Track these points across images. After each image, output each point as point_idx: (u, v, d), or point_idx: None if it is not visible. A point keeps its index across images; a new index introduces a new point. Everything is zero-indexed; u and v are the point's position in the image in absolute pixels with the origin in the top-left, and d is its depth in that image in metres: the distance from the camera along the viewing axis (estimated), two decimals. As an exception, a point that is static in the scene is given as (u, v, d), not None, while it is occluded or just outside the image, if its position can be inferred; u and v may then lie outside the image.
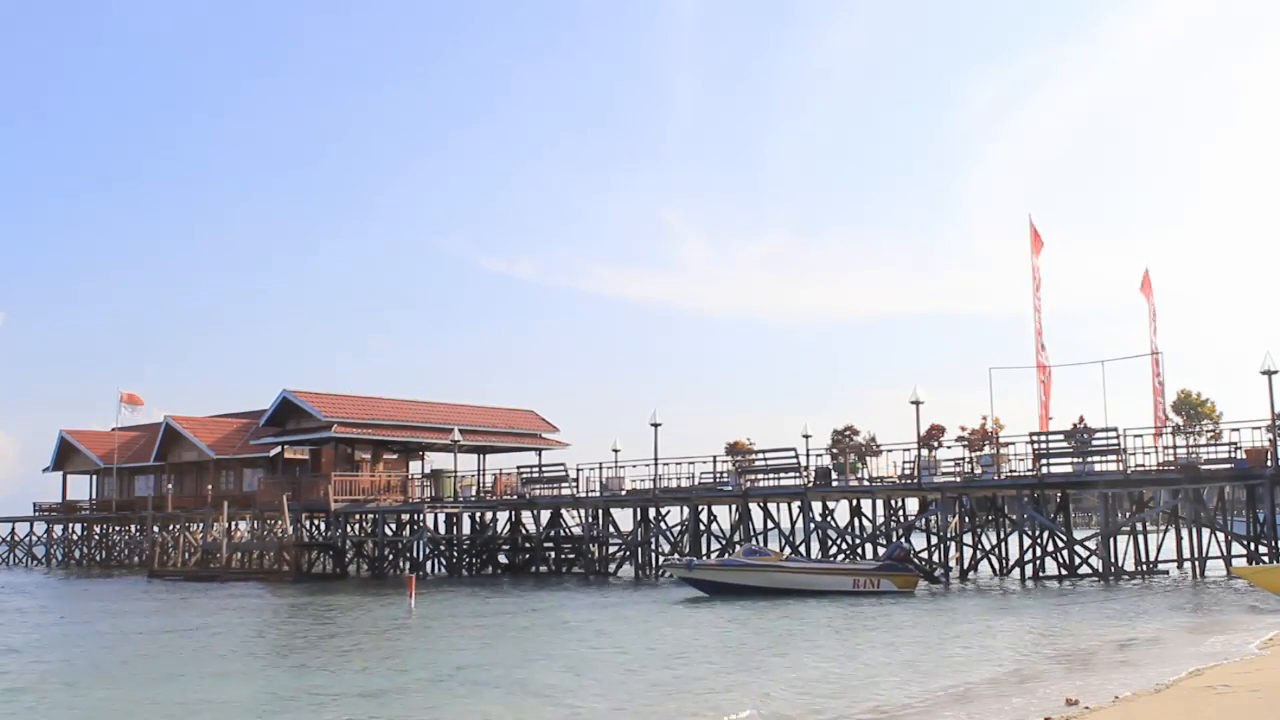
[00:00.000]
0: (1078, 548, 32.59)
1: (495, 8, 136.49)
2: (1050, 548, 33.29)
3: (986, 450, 34.47)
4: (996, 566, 34.27)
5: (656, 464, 37.91)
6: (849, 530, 37.33)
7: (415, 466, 49.68)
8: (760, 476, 37.05)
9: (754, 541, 36.00)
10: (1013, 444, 34.13)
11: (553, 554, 42.58)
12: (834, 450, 40.38)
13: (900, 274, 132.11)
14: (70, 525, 61.73)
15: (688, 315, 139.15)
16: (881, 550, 34.43)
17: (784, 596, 27.69)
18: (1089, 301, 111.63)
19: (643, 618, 24.55)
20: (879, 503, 37.61)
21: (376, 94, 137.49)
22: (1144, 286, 36.38)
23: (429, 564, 43.92)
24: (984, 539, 36.06)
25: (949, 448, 36.09)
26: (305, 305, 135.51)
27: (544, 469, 43.64)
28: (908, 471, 34.22)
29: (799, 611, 24.40)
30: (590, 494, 40.26)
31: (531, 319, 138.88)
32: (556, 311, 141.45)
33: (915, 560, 31.99)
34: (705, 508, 38.31)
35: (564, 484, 41.41)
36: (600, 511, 40.30)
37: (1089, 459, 31.66)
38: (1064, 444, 32.43)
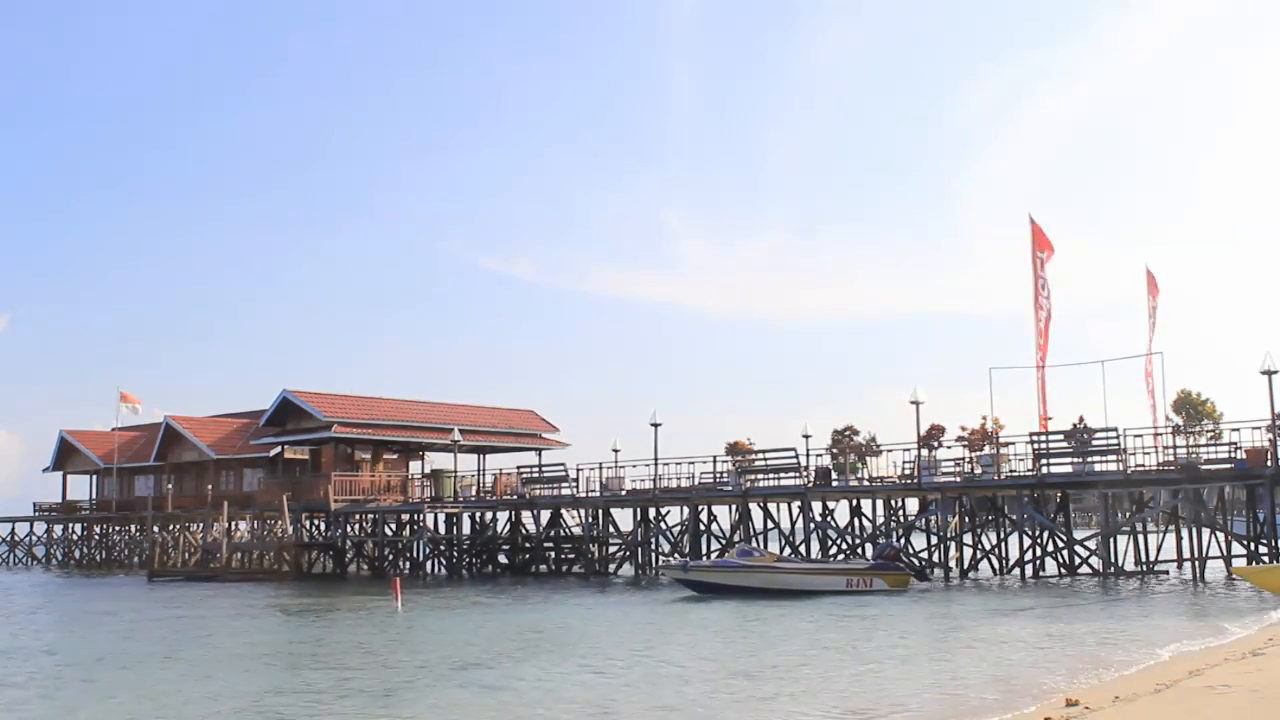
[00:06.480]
0: (1078, 548, 32.59)
1: (495, 8, 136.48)
2: (1050, 548, 33.28)
3: (986, 450, 34.40)
4: (996, 566, 34.26)
5: (656, 464, 37.98)
6: (849, 530, 37.33)
7: (415, 466, 49.70)
8: (760, 476, 37.03)
9: (753, 542, 36.03)
10: (1013, 444, 34.12)
11: (553, 554, 42.54)
12: (834, 450, 40.26)
13: (900, 274, 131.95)
14: (70, 525, 61.75)
15: (688, 315, 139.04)
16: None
17: (778, 597, 27.75)
18: (1089, 301, 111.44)
19: (641, 618, 24.53)
20: (879, 503, 37.58)
21: (376, 94, 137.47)
22: (1149, 285, 36.31)
23: (429, 564, 43.90)
24: (984, 539, 36.04)
25: (949, 448, 35.90)
26: (305, 305, 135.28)
27: (544, 469, 43.64)
28: (908, 471, 34.20)
29: (798, 610, 24.40)
30: (590, 494, 40.26)
31: (531, 319, 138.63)
32: (556, 311, 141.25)
33: (905, 559, 32.14)
34: (705, 508, 38.31)
35: (564, 484, 41.41)
36: (600, 511, 40.30)
37: (1089, 459, 31.66)
38: (1064, 444, 32.44)
